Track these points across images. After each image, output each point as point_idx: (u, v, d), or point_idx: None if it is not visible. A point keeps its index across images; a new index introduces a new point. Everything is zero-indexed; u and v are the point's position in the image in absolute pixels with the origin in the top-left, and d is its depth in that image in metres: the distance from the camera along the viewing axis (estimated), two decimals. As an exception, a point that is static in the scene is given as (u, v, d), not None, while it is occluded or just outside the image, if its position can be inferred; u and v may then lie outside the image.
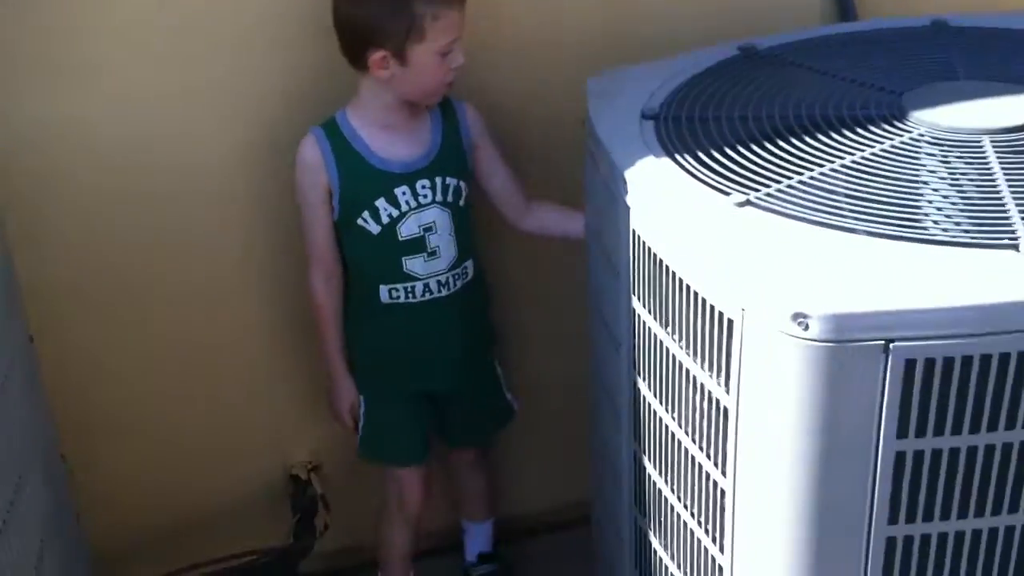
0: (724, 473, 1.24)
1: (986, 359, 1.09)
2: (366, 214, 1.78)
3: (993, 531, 1.18)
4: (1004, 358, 1.09)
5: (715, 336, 1.20)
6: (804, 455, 1.14)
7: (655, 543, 1.45)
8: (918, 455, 1.13)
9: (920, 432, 1.12)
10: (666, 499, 1.39)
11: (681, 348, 1.27)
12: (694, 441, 1.28)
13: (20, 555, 1.34)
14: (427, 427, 1.97)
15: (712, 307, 1.19)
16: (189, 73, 1.78)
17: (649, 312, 1.33)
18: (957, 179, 1.30)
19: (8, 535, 1.29)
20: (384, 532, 2.05)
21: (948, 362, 1.08)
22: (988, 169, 1.30)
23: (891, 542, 1.17)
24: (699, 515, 1.32)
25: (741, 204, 1.25)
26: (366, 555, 2.09)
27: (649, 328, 1.34)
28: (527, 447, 2.19)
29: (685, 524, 1.36)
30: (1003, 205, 1.23)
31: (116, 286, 1.84)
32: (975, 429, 1.12)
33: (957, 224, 1.21)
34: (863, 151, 1.35)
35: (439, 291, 1.83)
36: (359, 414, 1.91)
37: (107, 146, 1.78)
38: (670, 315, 1.28)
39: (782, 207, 1.24)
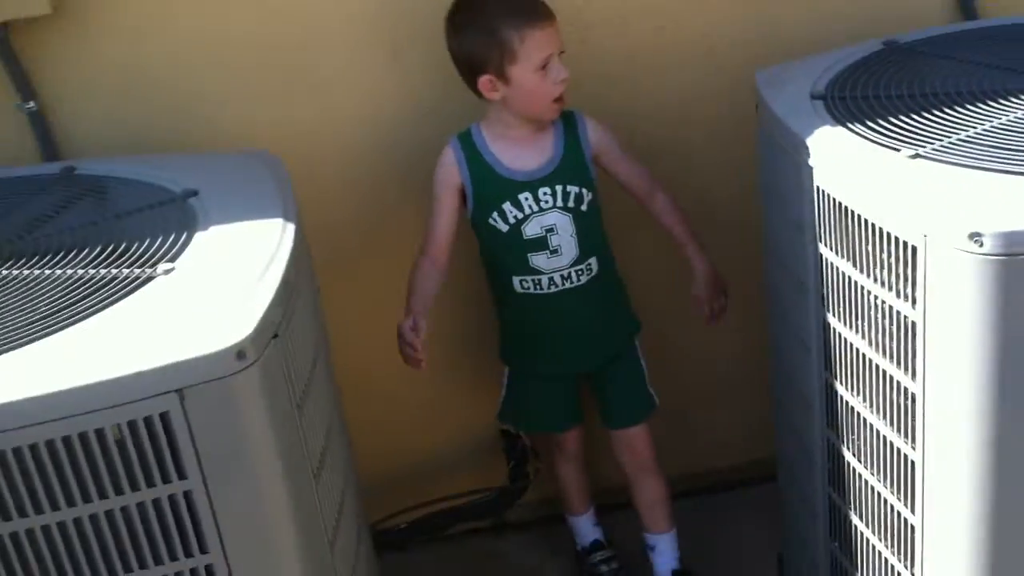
0: (914, 378, 1.49)
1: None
2: (495, 215, 2.03)
3: None
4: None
5: (900, 263, 1.46)
6: (984, 353, 1.39)
7: (848, 456, 1.71)
8: (1078, 349, 1.38)
9: (1078, 329, 1.37)
10: (858, 413, 1.65)
11: (868, 279, 1.54)
12: (884, 355, 1.55)
13: (333, 487, 1.64)
14: (573, 402, 2.20)
15: (897, 238, 1.45)
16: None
17: (837, 254, 1.61)
18: (1090, 136, 1.55)
19: (325, 467, 1.58)
20: (555, 469, 2.31)
21: (1098, 270, 1.34)
22: (1116, 126, 1.56)
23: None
24: (891, 423, 1.57)
25: (912, 156, 1.52)
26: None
27: (836, 267, 1.61)
28: (702, 411, 2.46)
29: (878, 432, 1.61)
30: None
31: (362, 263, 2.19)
32: (1123, 325, 1.37)
33: (1096, 167, 1.46)
34: (1008, 115, 1.62)
35: (563, 284, 2.05)
36: (418, 334, 1.96)
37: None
38: (857, 253, 1.55)
39: (948, 158, 1.51)
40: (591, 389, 2.22)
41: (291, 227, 1.61)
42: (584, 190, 2.05)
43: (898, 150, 1.56)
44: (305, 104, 2.12)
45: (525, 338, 2.15)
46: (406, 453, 2.33)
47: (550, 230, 2.03)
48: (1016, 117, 1.61)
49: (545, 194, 2.03)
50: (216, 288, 1.46)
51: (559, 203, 2.03)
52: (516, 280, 2.07)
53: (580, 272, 2.06)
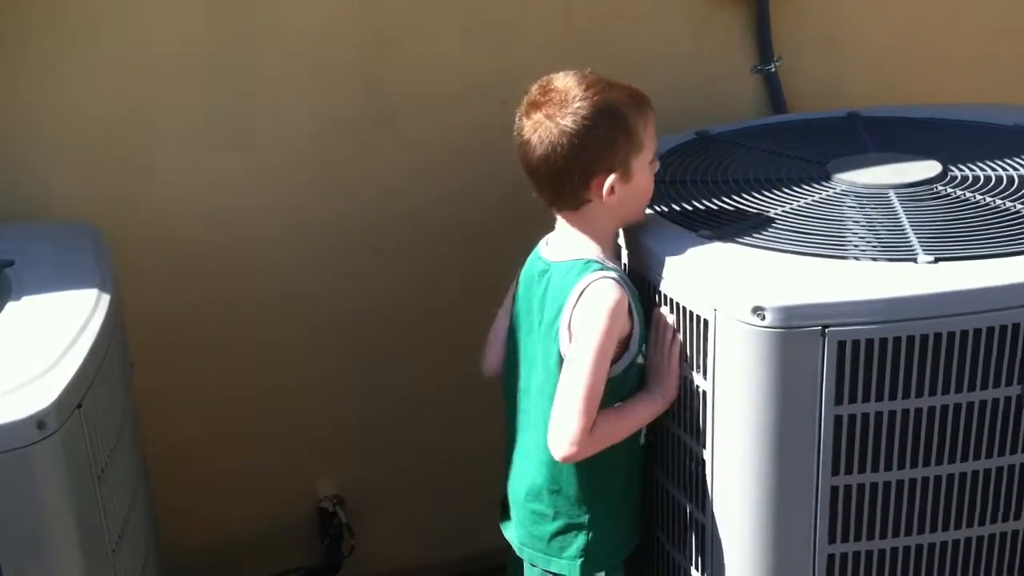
0: (704, 445, 1.58)
1: (897, 341, 1.45)
2: (644, 346, 1.65)
3: (913, 481, 1.52)
4: (910, 340, 1.45)
5: (695, 335, 1.55)
6: (765, 421, 1.48)
7: (654, 528, 1.78)
8: (851, 418, 1.48)
9: (852, 399, 1.47)
10: (660, 484, 1.72)
11: (666, 351, 1.63)
12: (679, 425, 1.63)
13: (131, 563, 1.61)
14: None
15: (691, 312, 1.55)
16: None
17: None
18: (871, 219, 1.68)
19: (124, 542, 1.56)
20: None
21: (869, 343, 1.44)
22: (894, 211, 1.69)
23: (835, 491, 1.51)
24: (685, 490, 1.65)
25: (709, 238, 1.62)
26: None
27: (641, 341, 1.69)
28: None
29: (674, 499, 1.68)
30: (905, 234, 1.61)
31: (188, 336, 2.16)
32: (893, 396, 1.47)
33: (873, 247, 1.58)
34: (799, 201, 1.74)
35: None
36: None
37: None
38: (657, 327, 1.64)
39: (740, 239, 1.61)
40: None
41: (105, 299, 1.61)
42: None
43: (697, 231, 1.66)
44: (135, 180, 2.11)
45: (629, 505, 1.73)
46: (219, 531, 2.28)
47: None
48: (806, 203, 1.74)
49: None
50: (21, 357, 1.45)
51: None
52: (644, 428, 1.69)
53: None
